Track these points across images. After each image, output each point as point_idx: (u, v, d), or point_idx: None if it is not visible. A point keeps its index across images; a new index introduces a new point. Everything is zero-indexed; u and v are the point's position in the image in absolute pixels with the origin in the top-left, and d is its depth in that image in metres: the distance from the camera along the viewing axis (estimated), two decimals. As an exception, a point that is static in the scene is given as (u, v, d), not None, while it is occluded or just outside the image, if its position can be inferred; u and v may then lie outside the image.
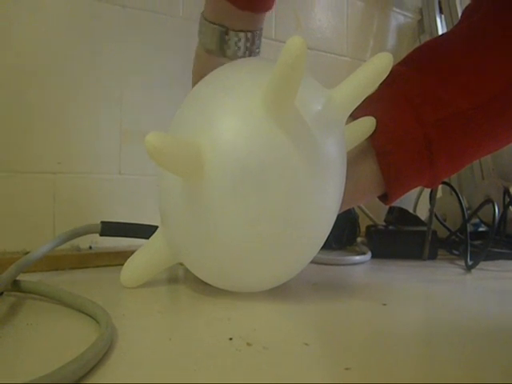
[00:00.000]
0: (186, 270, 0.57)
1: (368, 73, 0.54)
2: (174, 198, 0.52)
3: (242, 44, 0.64)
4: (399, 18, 1.30)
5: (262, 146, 0.48)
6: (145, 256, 0.59)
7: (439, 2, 1.23)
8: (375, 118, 0.61)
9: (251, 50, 0.65)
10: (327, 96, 0.54)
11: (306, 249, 0.55)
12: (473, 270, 0.79)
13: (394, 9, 1.28)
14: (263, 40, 0.93)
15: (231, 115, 0.49)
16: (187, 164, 0.47)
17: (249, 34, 0.64)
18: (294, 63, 0.43)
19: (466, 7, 0.71)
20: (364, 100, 0.56)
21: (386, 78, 0.54)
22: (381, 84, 0.56)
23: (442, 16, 1.23)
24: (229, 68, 0.56)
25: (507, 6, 0.63)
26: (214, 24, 0.63)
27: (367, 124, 0.61)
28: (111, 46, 0.83)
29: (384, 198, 0.66)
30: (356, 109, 0.56)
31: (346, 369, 0.36)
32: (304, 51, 0.43)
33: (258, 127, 0.48)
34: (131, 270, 0.59)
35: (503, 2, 0.63)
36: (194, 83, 0.66)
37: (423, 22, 1.28)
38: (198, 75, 0.67)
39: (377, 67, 0.54)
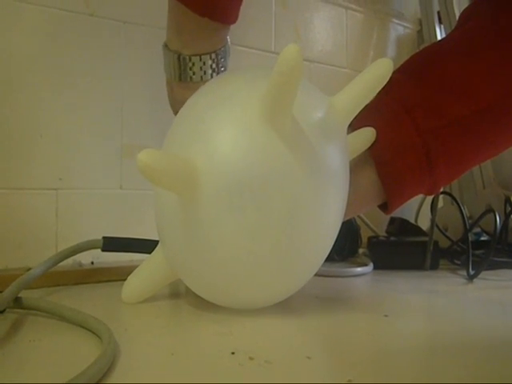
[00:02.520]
0: (188, 285, 0.57)
1: (369, 79, 0.54)
2: (170, 214, 0.51)
3: (207, 67, 0.63)
4: (399, 29, 1.30)
5: (260, 158, 0.47)
6: (145, 272, 0.59)
7: (438, 13, 1.23)
8: (373, 127, 0.61)
9: (218, 71, 0.65)
10: (328, 103, 0.54)
11: (308, 264, 0.54)
12: (475, 280, 0.79)
13: (394, 20, 1.28)
14: (262, 53, 0.94)
15: (227, 127, 0.48)
16: (181, 180, 0.46)
17: (213, 55, 0.63)
18: (290, 72, 0.42)
19: (463, 11, 0.71)
20: (362, 109, 0.56)
21: (384, 85, 0.55)
22: (378, 91, 0.56)
23: (442, 26, 1.23)
24: (225, 78, 0.56)
25: (504, 9, 0.63)
26: (176, 52, 0.63)
27: (367, 135, 0.61)
28: (112, 61, 0.84)
29: (384, 206, 0.66)
30: (354, 118, 0.56)
31: (349, 381, 0.36)
32: (300, 60, 0.42)
33: (256, 138, 0.47)
34: (132, 287, 0.59)
35: (499, 6, 0.64)
36: (175, 111, 0.66)
37: (422, 32, 1.28)
38: (175, 103, 0.68)
39: (377, 73, 0.53)
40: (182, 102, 0.56)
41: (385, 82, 0.54)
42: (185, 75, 0.64)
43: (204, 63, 0.63)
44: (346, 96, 0.54)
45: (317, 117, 0.51)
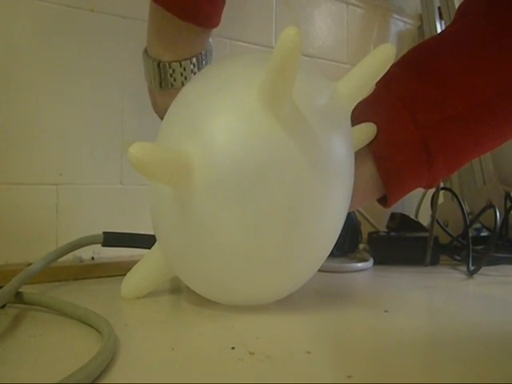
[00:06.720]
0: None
1: (372, 63, 0.53)
2: (165, 209, 0.50)
3: (188, 73, 0.62)
4: (399, 25, 1.30)
5: (260, 146, 0.45)
6: (144, 269, 0.58)
7: (439, 8, 1.23)
8: (372, 121, 0.61)
9: None
10: (332, 88, 0.53)
11: (310, 259, 0.53)
12: (475, 276, 0.79)
13: (394, 15, 1.28)
14: (263, 48, 0.93)
15: (223, 114, 0.47)
16: (174, 173, 0.45)
17: (193, 60, 0.62)
18: (289, 55, 0.41)
19: (461, 5, 0.71)
20: (360, 102, 0.56)
21: (382, 79, 0.54)
22: (377, 85, 0.56)
23: (442, 22, 1.23)
24: (221, 64, 0.54)
25: (499, 5, 0.63)
26: (155, 60, 0.62)
27: (367, 130, 0.60)
28: (112, 56, 0.84)
29: (383, 200, 0.66)
30: (353, 112, 0.56)
31: (348, 376, 0.36)
32: (298, 42, 0.41)
33: (254, 125, 0.46)
34: (131, 283, 0.59)
35: (495, 2, 0.64)
36: (161, 117, 0.65)
37: (423, 28, 1.28)
38: (159, 110, 0.67)
39: (381, 58, 0.53)
40: (166, 109, 0.55)
41: (388, 67, 0.53)
42: (165, 82, 0.63)
43: (184, 69, 0.62)
44: (351, 80, 0.54)
45: (320, 102, 0.50)
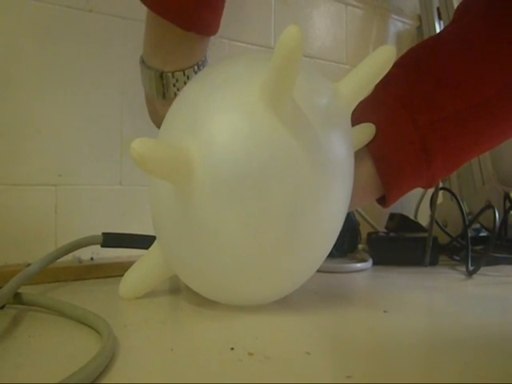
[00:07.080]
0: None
1: (373, 64, 0.53)
2: (165, 207, 0.50)
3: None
4: (398, 25, 1.30)
5: (261, 145, 0.45)
6: (142, 268, 0.58)
7: (438, 9, 1.23)
8: (371, 122, 0.61)
9: None
10: (333, 88, 0.53)
11: (310, 259, 0.53)
12: (474, 276, 0.79)
13: (393, 16, 1.28)
14: (262, 49, 0.93)
15: (225, 113, 0.47)
16: (175, 169, 0.45)
17: (195, 67, 0.61)
18: (291, 54, 0.41)
19: (458, 6, 0.71)
20: (360, 103, 0.56)
21: (381, 79, 0.54)
22: (376, 86, 0.56)
23: (441, 22, 1.23)
24: (221, 64, 0.53)
25: (497, 5, 0.63)
26: (157, 70, 0.61)
27: (366, 131, 0.61)
28: (111, 57, 0.84)
29: (382, 200, 0.66)
30: (352, 112, 0.56)
31: (348, 377, 0.36)
32: (300, 41, 0.41)
33: (256, 124, 0.46)
34: (130, 283, 0.59)
35: (493, 2, 0.64)
36: (158, 126, 0.63)
37: (422, 28, 1.28)
38: (160, 120, 0.65)
39: (381, 59, 0.53)
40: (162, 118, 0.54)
41: (388, 69, 0.53)
42: (169, 93, 0.62)
43: (188, 77, 0.61)
44: (351, 81, 0.54)
45: (321, 102, 0.50)
